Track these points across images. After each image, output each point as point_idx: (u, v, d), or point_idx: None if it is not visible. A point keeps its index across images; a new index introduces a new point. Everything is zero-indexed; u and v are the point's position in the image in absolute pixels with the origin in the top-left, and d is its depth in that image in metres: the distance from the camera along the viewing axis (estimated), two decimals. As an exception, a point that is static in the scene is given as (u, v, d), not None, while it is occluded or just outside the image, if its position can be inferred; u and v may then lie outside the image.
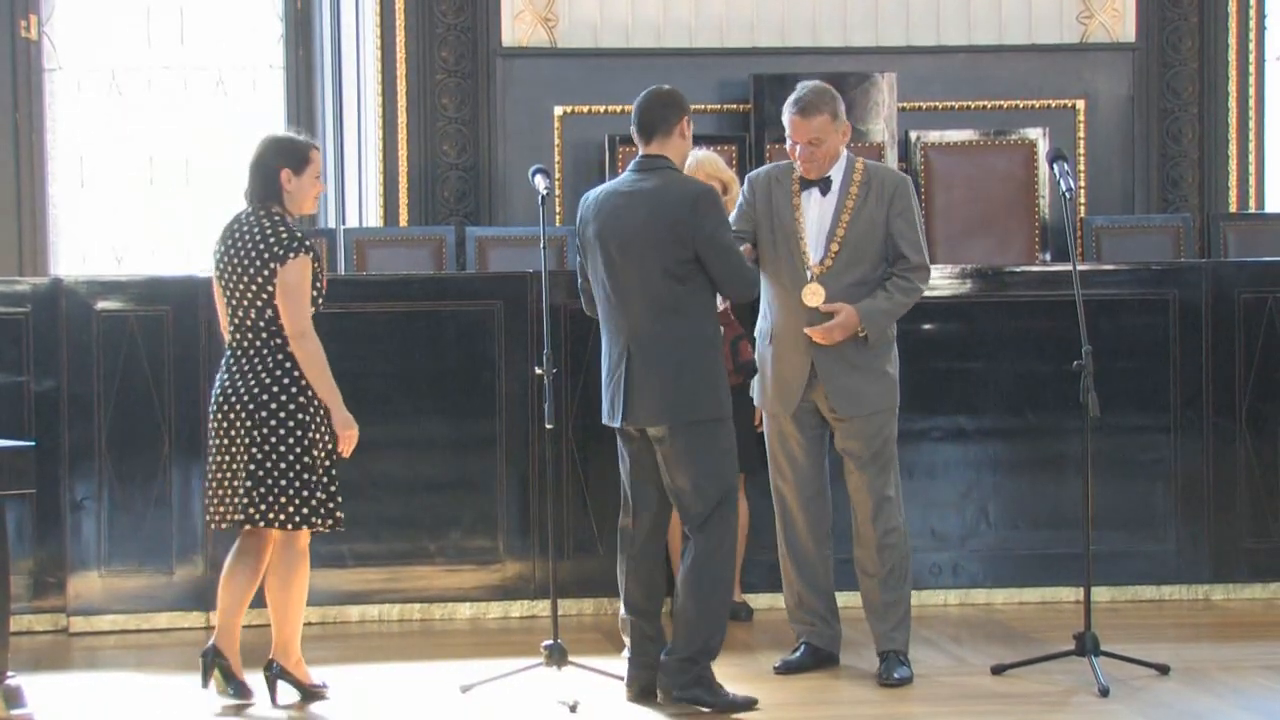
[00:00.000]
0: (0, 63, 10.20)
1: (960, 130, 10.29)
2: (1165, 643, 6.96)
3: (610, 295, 6.08)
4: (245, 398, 6.07)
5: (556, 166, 10.11)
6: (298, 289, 6.04)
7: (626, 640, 6.22)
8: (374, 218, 10.20)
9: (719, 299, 6.34)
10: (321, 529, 6.13)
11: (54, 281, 7.58)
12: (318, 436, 6.08)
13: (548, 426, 6.41)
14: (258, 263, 6.07)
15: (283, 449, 6.04)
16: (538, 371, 6.47)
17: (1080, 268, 6.86)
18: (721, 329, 6.27)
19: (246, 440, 6.06)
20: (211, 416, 6.18)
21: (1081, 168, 10.45)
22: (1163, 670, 6.47)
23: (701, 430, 6.01)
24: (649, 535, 6.16)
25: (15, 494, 6.03)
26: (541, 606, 7.50)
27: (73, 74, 10.47)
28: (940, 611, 7.66)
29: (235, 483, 6.10)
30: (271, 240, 6.06)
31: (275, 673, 6.19)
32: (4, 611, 6.01)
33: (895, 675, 6.38)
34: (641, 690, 6.16)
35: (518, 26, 10.23)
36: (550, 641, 6.38)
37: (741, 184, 7.18)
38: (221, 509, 6.15)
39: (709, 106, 10.08)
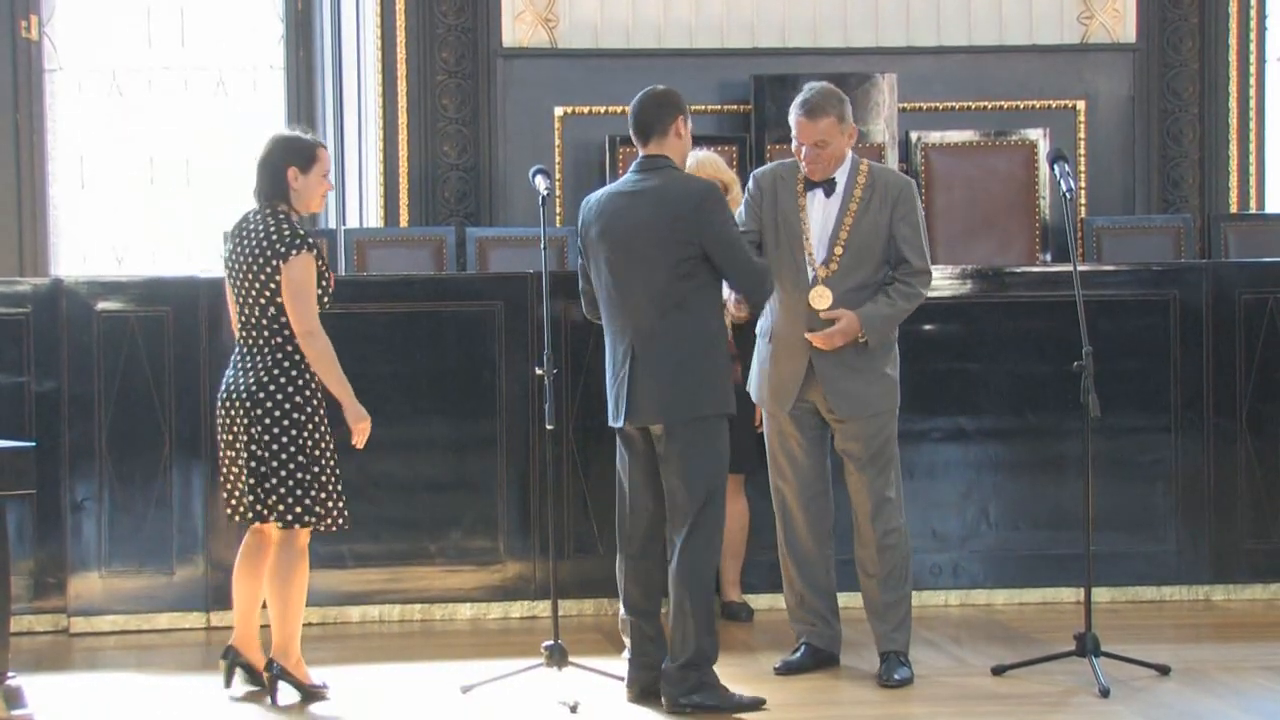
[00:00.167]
0: (1, 63, 10.20)
1: (961, 131, 10.29)
2: (1166, 643, 6.96)
3: (614, 296, 6.08)
4: (244, 394, 6.10)
5: (557, 167, 10.11)
6: (302, 287, 6.05)
7: (627, 641, 6.22)
8: (374, 218, 10.21)
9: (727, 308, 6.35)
10: (318, 528, 6.14)
11: (55, 282, 7.58)
12: (318, 435, 6.09)
13: (548, 427, 6.41)
14: (260, 260, 6.09)
15: (275, 447, 6.06)
16: (538, 372, 6.47)
17: (1081, 268, 6.86)
18: (728, 328, 6.28)
19: (245, 437, 6.10)
20: (217, 413, 6.24)
21: (1082, 168, 10.45)
22: (1163, 671, 6.47)
23: (701, 428, 6.01)
24: (648, 536, 6.16)
25: (16, 494, 6.04)
26: (542, 607, 7.50)
27: (73, 74, 10.47)
28: (941, 612, 7.65)
29: (240, 479, 6.14)
30: (275, 238, 6.07)
31: (275, 673, 6.19)
32: (4, 612, 6.02)
33: (896, 676, 6.38)
34: (642, 691, 6.16)
35: (518, 27, 10.23)
36: (551, 642, 6.38)
37: (742, 184, 7.19)
38: (232, 503, 6.22)
39: (709, 107, 10.08)
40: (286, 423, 6.06)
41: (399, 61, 10.17)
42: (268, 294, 6.09)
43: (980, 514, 7.79)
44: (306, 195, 6.18)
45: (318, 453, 6.09)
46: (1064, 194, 6.54)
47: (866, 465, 6.42)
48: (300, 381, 6.08)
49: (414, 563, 7.62)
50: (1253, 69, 10.62)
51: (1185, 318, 7.81)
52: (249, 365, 6.15)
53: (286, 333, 6.11)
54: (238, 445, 6.13)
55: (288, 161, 6.15)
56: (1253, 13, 10.59)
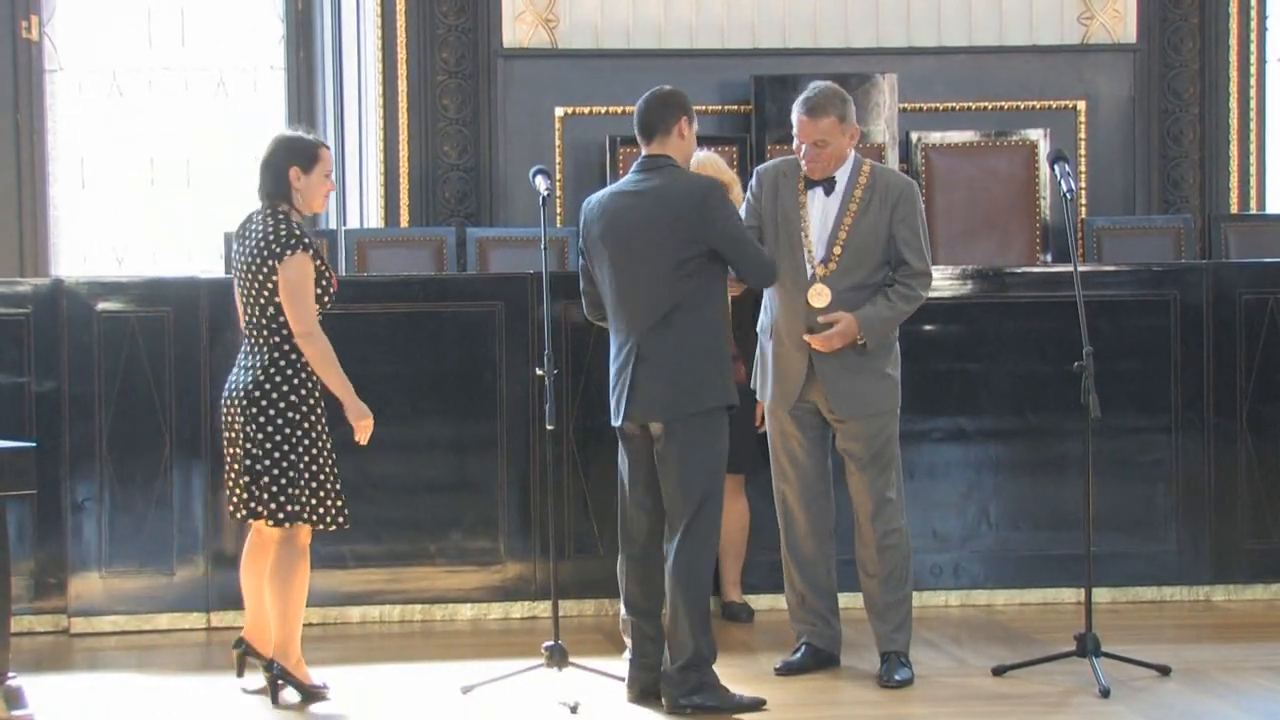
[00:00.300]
0: (1, 64, 10.20)
1: (961, 131, 10.29)
2: (1166, 644, 6.96)
3: (618, 296, 6.08)
4: (242, 392, 6.13)
5: (557, 167, 10.11)
6: (299, 287, 6.06)
7: (627, 641, 6.22)
8: (375, 218, 10.21)
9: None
10: (315, 527, 6.14)
11: (55, 282, 7.58)
12: (314, 434, 6.10)
13: (548, 427, 6.41)
14: (258, 260, 6.11)
15: (269, 445, 6.08)
16: (538, 372, 6.47)
17: (1081, 269, 6.86)
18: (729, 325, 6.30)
19: (242, 435, 6.13)
20: (221, 411, 6.28)
21: (1082, 168, 10.45)
22: (1164, 671, 6.47)
23: (701, 426, 6.01)
24: (649, 536, 6.16)
25: (16, 495, 6.04)
26: (542, 607, 7.50)
27: (74, 75, 10.47)
28: (941, 612, 7.65)
29: (239, 476, 6.17)
30: (271, 238, 6.09)
31: (276, 673, 6.19)
32: (5, 612, 6.02)
33: (896, 676, 6.38)
34: (642, 691, 6.16)
35: (518, 27, 10.23)
36: (551, 642, 6.38)
37: (743, 184, 7.19)
38: (233, 500, 6.24)
39: (710, 107, 10.08)
40: (281, 421, 6.08)
41: (399, 62, 10.17)
42: (266, 294, 6.11)
43: (981, 514, 7.79)
44: (309, 195, 6.20)
45: (315, 451, 6.10)
46: (1064, 194, 6.54)
47: (868, 465, 6.42)
48: (296, 380, 6.09)
49: (414, 563, 7.62)
50: (1253, 69, 10.62)
51: (1186, 318, 7.81)
52: (250, 364, 6.17)
53: (285, 332, 6.12)
54: (238, 443, 6.15)
55: (290, 162, 6.17)
56: (1253, 13, 10.59)
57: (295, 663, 6.21)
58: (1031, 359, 7.73)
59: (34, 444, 6.40)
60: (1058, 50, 10.48)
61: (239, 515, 6.24)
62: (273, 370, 6.10)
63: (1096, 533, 6.79)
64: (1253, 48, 10.61)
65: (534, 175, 6.77)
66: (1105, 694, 6.16)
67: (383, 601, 7.61)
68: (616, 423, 6.15)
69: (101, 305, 7.47)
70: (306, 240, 6.11)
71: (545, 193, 6.65)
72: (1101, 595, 7.48)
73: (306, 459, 6.09)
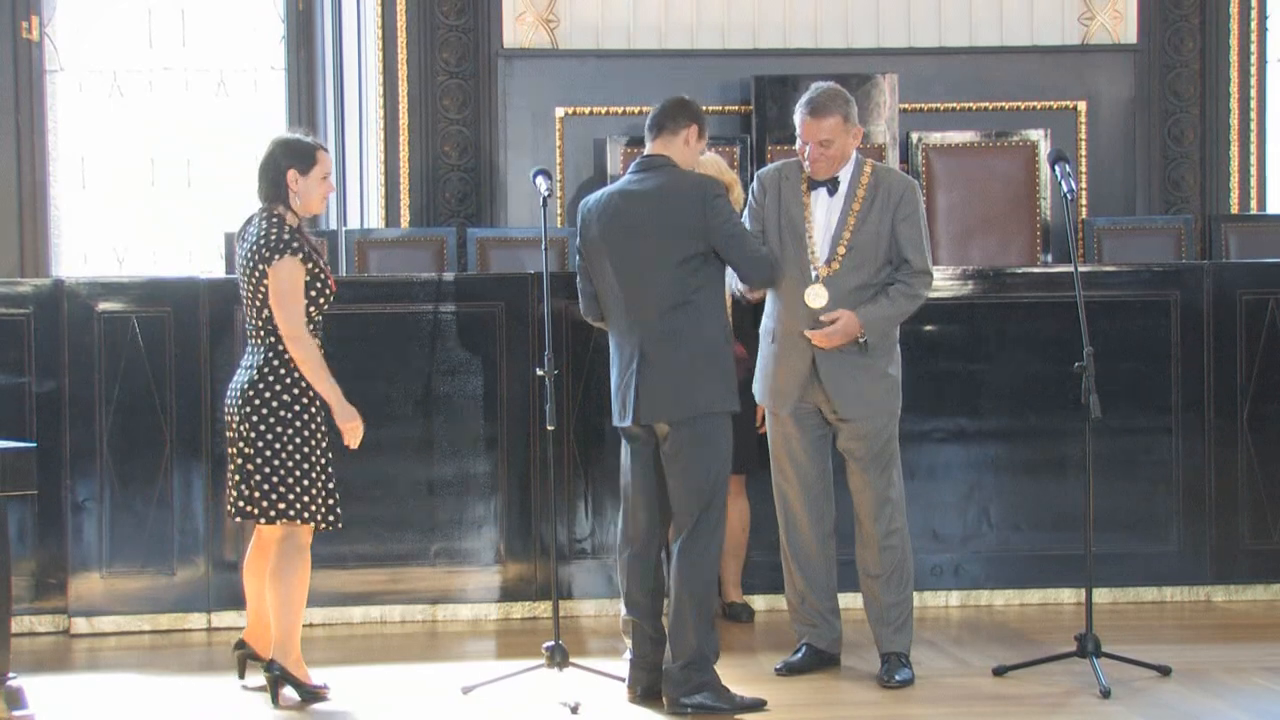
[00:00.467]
0: (2, 64, 10.20)
1: (962, 131, 10.29)
2: (1167, 644, 6.95)
3: (620, 296, 6.08)
4: (239, 392, 6.18)
5: (558, 168, 10.11)
6: (286, 291, 6.09)
7: (628, 641, 6.22)
8: (375, 219, 10.21)
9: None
10: (306, 525, 6.14)
11: (55, 283, 7.58)
12: (305, 434, 6.12)
13: (549, 428, 6.41)
14: (252, 263, 6.16)
15: (261, 444, 6.11)
16: (539, 373, 6.47)
17: (1081, 269, 6.86)
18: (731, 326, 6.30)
19: (237, 435, 6.17)
20: (223, 411, 6.34)
21: (1083, 169, 10.45)
22: (1164, 672, 6.47)
23: (706, 426, 6.01)
24: (650, 536, 6.16)
25: (17, 495, 6.04)
26: (543, 608, 7.50)
27: (74, 75, 10.47)
28: (941, 613, 7.65)
29: (233, 475, 6.21)
30: (263, 242, 6.14)
31: (276, 673, 6.19)
32: (5, 612, 6.02)
33: (897, 677, 6.38)
34: (643, 691, 6.16)
35: (519, 28, 10.23)
36: (551, 642, 6.38)
37: (743, 185, 7.19)
38: (230, 498, 6.27)
39: (710, 108, 10.06)
40: (274, 420, 6.11)
41: (400, 62, 10.17)
42: (261, 296, 6.15)
43: (981, 515, 7.79)
44: (307, 197, 6.22)
45: (306, 450, 6.12)
46: (1065, 195, 6.54)
47: (869, 465, 6.42)
48: (289, 380, 6.12)
49: (415, 563, 7.62)
50: (1253, 70, 10.61)
51: (1186, 318, 7.81)
52: (248, 364, 6.21)
53: (279, 333, 6.14)
54: (236, 442, 6.18)
55: (287, 164, 6.19)
56: (1253, 13, 10.59)
57: (295, 662, 6.21)
58: (1032, 359, 7.73)
59: (34, 444, 6.40)
60: (1058, 50, 10.48)
61: (230, 512, 6.27)
62: (267, 371, 6.13)
63: (1097, 533, 6.78)
64: (1253, 48, 10.61)
65: (534, 176, 6.78)
66: (1106, 694, 6.16)
67: (383, 602, 7.61)
68: (621, 423, 6.15)
69: (102, 305, 7.47)
70: (296, 244, 6.12)
71: (546, 193, 6.65)
72: (1102, 595, 7.49)
73: (298, 458, 6.11)
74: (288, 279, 6.08)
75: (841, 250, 6.35)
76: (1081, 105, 10.49)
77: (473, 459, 7.63)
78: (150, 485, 7.47)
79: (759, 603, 7.58)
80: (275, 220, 6.17)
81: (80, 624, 7.46)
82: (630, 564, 6.18)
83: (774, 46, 10.32)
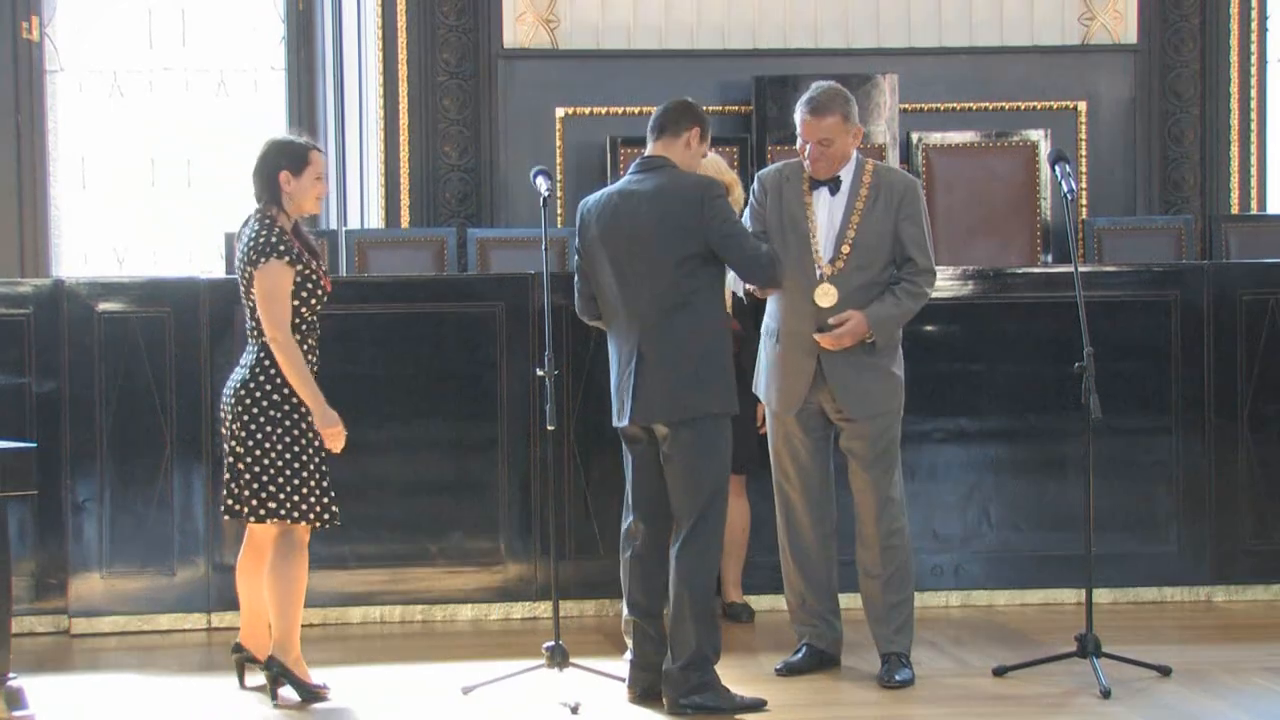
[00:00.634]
0: (2, 64, 10.20)
1: (962, 132, 10.29)
2: (1167, 644, 6.95)
3: (619, 296, 6.08)
4: (231, 391, 6.22)
5: (558, 168, 10.11)
6: (270, 294, 6.12)
7: (629, 641, 6.22)
8: (375, 219, 10.21)
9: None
10: (298, 523, 6.15)
11: (55, 283, 7.58)
12: (296, 433, 6.15)
13: (549, 428, 6.41)
14: (243, 264, 6.21)
15: (251, 443, 6.14)
16: (539, 373, 6.47)
17: (1082, 269, 6.86)
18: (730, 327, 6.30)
19: (229, 433, 6.20)
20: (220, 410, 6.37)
21: (1083, 169, 10.46)
22: (1164, 672, 6.46)
23: (705, 427, 6.01)
24: (651, 536, 6.16)
25: (16, 495, 6.04)
26: (543, 608, 7.50)
27: (74, 75, 10.47)
28: (942, 613, 7.65)
29: (227, 475, 6.24)
30: (252, 244, 6.18)
31: (275, 671, 6.20)
32: (5, 613, 6.02)
33: (897, 677, 6.38)
34: (643, 692, 6.16)
35: (519, 28, 10.23)
36: (552, 643, 6.38)
37: (744, 185, 7.19)
38: (221, 495, 6.29)
39: (710, 108, 10.06)
40: (263, 419, 6.13)
41: (400, 62, 10.17)
42: (252, 297, 6.18)
43: (981, 515, 7.79)
44: (300, 197, 6.24)
45: (296, 449, 6.14)
46: (1065, 195, 6.53)
47: (871, 465, 6.42)
48: (279, 380, 6.15)
49: (415, 563, 7.61)
50: (1253, 70, 10.62)
51: (1186, 319, 7.81)
52: (244, 362, 6.26)
53: None
54: (228, 440, 6.22)
55: (280, 165, 6.22)
56: (1253, 14, 10.59)
57: (294, 660, 6.22)
58: (1032, 359, 7.73)
59: (34, 444, 6.39)
60: (1058, 51, 10.48)
61: (220, 509, 6.28)
62: (258, 370, 6.16)
63: (1097, 533, 6.78)
64: (1253, 48, 10.61)
65: (535, 176, 6.78)
66: (1106, 695, 6.15)
67: (383, 602, 7.61)
68: (620, 424, 6.15)
69: (102, 306, 7.47)
70: (284, 247, 6.14)
71: (546, 193, 6.65)
72: (1102, 596, 7.48)
73: (288, 457, 6.13)
74: (272, 282, 6.11)
75: (846, 249, 6.35)
76: (1082, 105, 10.49)
77: (473, 459, 7.63)
78: (150, 485, 7.46)
79: (759, 603, 7.57)
80: (267, 222, 6.20)
81: (80, 624, 7.46)
82: (631, 564, 6.18)
83: (774, 47, 10.32)
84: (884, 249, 6.38)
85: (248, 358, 6.23)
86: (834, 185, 6.40)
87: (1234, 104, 10.57)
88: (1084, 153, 10.47)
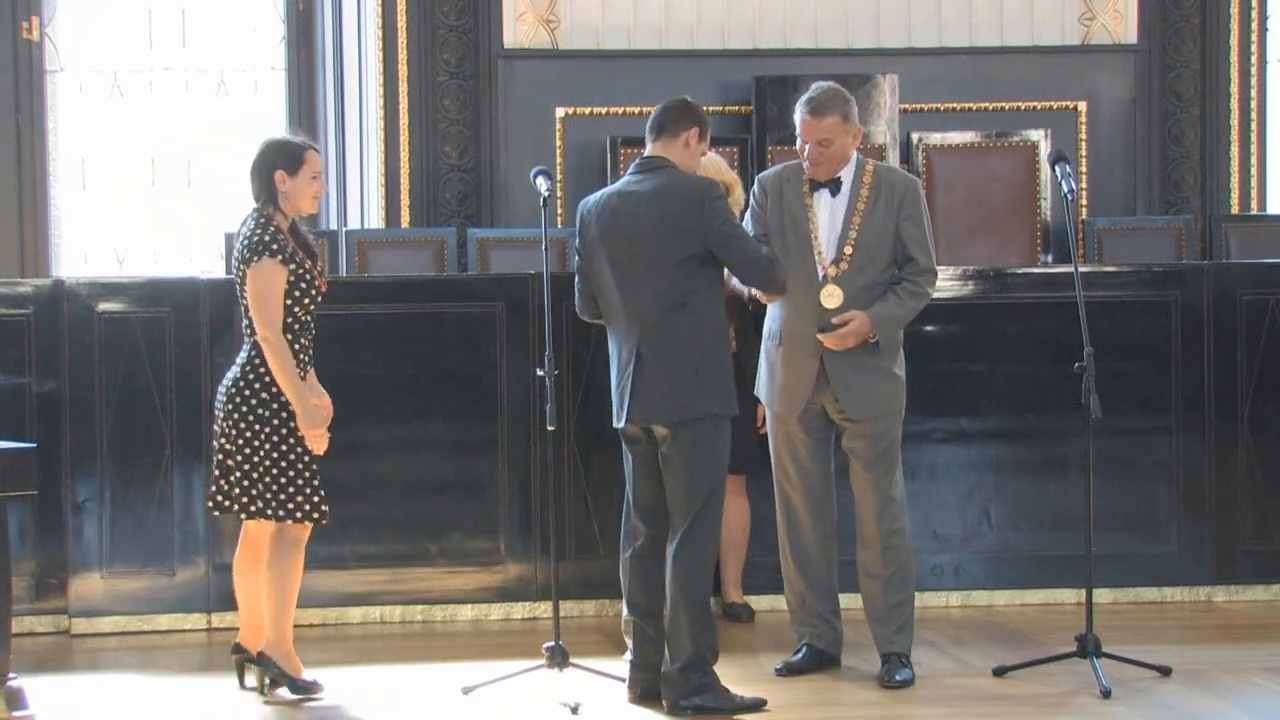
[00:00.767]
0: (2, 64, 10.20)
1: (962, 132, 10.29)
2: (1167, 644, 6.95)
3: (618, 297, 6.08)
4: (222, 390, 6.26)
5: (558, 168, 10.11)
6: (261, 292, 6.14)
7: (629, 641, 6.22)
8: (375, 219, 10.21)
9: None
10: (283, 520, 6.16)
11: (55, 283, 7.58)
12: (284, 431, 6.17)
13: (549, 428, 6.41)
14: (237, 263, 6.24)
15: (240, 441, 6.18)
16: (539, 373, 6.47)
17: (1082, 269, 6.86)
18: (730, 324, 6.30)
19: (220, 430, 6.23)
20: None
21: (1083, 169, 10.46)
22: (1164, 672, 6.46)
23: (703, 428, 6.01)
24: (651, 536, 6.16)
25: (17, 495, 6.05)
26: (543, 608, 7.50)
27: (74, 75, 10.47)
28: (942, 613, 7.65)
29: (216, 471, 6.27)
30: (245, 243, 6.21)
31: (266, 666, 6.23)
32: (5, 613, 6.03)
33: (897, 677, 6.38)
34: (643, 692, 6.16)
35: (519, 28, 10.23)
36: (552, 643, 6.38)
37: (744, 186, 7.18)
38: (210, 493, 6.31)
39: (710, 108, 10.05)
40: (252, 418, 6.16)
41: (400, 62, 10.17)
42: (245, 295, 6.20)
43: (981, 515, 7.79)
44: (295, 197, 6.26)
45: (285, 448, 6.18)
46: (1065, 195, 6.53)
47: (872, 465, 6.42)
48: (269, 379, 6.17)
49: (415, 564, 7.61)
50: (1254, 70, 10.62)
51: (1186, 319, 7.81)
52: (237, 361, 6.29)
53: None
54: (218, 437, 6.26)
55: (276, 164, 6.25)
56: (1254, 14, 10.59)
57: (285, 655, 6.26)
58: (1032, 360, 7.73)
59: (34, 444, 6.40)
60: (1059, 51, 10.48)
61: (209, 506, 6.29)
62: (249, 368, 6.20)
63: (1097, 533, 6.78)
64: (1253, 48, 10.61)
65: (535, 176, 6.77)
66: (1106, 695, 6.15)
67: (383, 602, 7.61)
68: (619, 424, 6.15)
69: (102, 306, 7.47)
70: (276, 246, 6.16)
71: (546, 193, 6.65)
72: (1102, 596, 7.48)
73: (275, 455, 6.16)
74: (264, 281, 6.13)
75: (848, 250, 6.35)
76: (1082, 105, 10.49)
77: (473, 459, 7.63)
78: (150, 485, 7.46)
79: (759, 603, 7.57)
80: (261, 221, 6.22)
81: (80, 624, 7.46)
82: (631, 564, 6.18)
83: (774, 47, 10.32)
84: (886, 249, 6.38)
85: (241, 356, 6.26)
86: (834, 186, 6.40)
87: (1234, 104, 10.57)
88: (1084, 153, 10.47)
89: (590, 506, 7.59)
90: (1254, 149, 10.62)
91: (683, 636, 6.01)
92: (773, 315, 6.51)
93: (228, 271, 6.35)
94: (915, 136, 10.17)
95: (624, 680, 6.22)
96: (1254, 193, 10.63)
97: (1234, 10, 10.56)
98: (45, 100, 10.36)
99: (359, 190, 10.32)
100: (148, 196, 10.60)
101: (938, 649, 6.97)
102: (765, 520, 7.09)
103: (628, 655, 6.24)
